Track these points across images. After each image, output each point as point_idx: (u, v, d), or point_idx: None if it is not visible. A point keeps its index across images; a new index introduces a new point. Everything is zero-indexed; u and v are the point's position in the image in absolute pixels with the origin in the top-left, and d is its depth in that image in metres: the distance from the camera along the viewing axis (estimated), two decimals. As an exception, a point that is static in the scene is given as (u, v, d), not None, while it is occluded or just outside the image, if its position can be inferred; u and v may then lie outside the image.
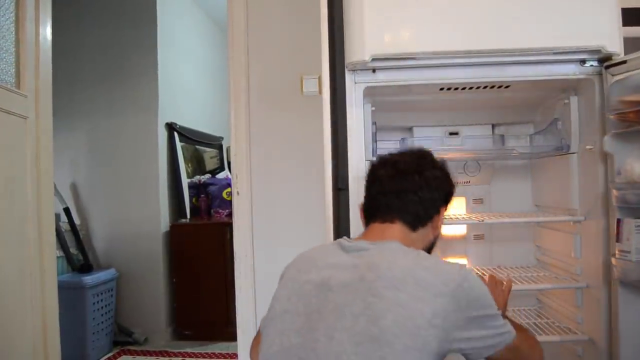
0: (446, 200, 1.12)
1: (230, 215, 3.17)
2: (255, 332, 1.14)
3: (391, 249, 0.96)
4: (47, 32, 1.98)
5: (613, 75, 1.34)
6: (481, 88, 1.53)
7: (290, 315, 0.93)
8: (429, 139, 1.80)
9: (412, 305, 0.83)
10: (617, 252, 1.33)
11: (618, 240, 1.33)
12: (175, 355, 3.05)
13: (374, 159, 1.57)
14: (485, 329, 0.89)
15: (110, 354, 3.06)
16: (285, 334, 0.91)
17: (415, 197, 1.05)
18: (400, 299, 0.84)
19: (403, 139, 1.73)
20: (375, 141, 1.57)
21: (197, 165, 3.98)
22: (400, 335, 0.81)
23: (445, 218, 1.65)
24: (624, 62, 1.30)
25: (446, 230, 1.92)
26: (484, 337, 0.89)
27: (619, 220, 1.34)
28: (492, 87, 1.52)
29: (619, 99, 1.30)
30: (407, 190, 1.05)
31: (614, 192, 1.34)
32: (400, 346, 0.80)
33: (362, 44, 1.36)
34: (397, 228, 1.04)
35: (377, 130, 1.60)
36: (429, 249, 1.10)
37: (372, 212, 1.09)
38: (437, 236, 1.11)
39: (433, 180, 1.07)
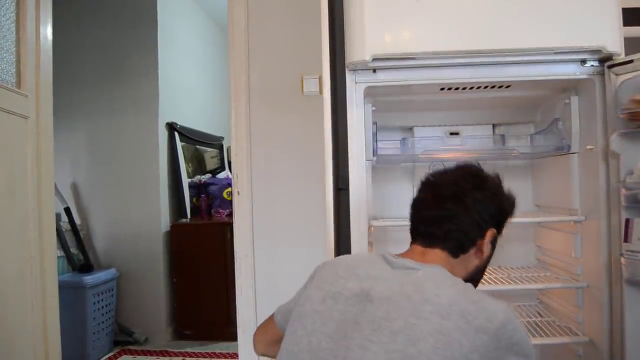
0: (497, 222, 1.04)
1: (230, 215, 3.17)
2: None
3: (438, 275, 0.93)
4: (47, 31, 1.98)
5: (617, 74, 1.34)
6: (482, 88, 1.53)
7: (322, 317, 0.91)
8: (430, 139, 1.80)
9: (454, 336, 0.81)
10: (624, 251, 1.33)
11: (626, 240, 1.33)
12: (176, 355, 3.05)
13: (374, 159, 1.58)
14: None
15: (110, 354, 3.07)
16: (315, 335, 0.89)
17: (452, 225, 0.99)
18: (443, 326, 0.82)
19: (404, 139, 1.73)
20: (376, 141, 1.57)
21: (198, 165, 3.98)
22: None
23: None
24: (630, 61, 1.30)
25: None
26: None
27: (627, 220, 1.33)
28: (493, 87, 1.52)
29: (631, 98, 1.30)
30: (443, 218, 1.00)
31: (623, 191, 1.34)
32: None
33: (362, 44, 1.36)
34: (438, 253, 0.99)
35: (378, 130, 1.60)
36: (474, 274, 1.05)
37: (414, 236, 1.05)
38: (484, 261, 1.05)
39: (474, 204, 1.00)
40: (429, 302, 0.85)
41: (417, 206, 1.06)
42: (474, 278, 1.04)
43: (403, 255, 1.03)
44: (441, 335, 0.81)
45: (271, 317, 1.11)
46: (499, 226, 1.05)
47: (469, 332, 0.81)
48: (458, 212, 0.99)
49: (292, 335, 0.94)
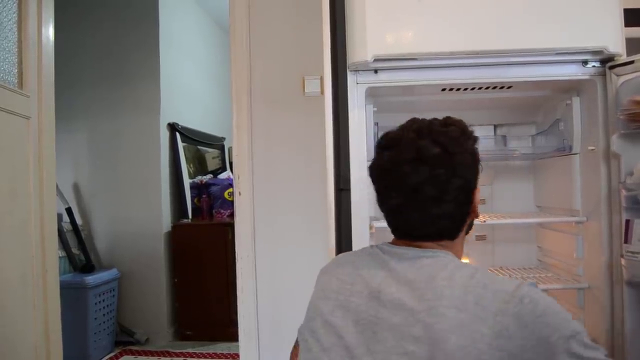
0: (475, 176, 0.92)
1: (231, 215, 3.17)
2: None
3: (444, 263, 0.86)
4: (49, 32, 1.98)
5: (618, 75, 1.34)
6: (483, 89, 1.53)
7: (336, 330, 0.85)
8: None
9: (474, 327, 0.75)
10: (625, 252, 1.33)
11: (627, 241, 1.33)
12: (177, 355, 3.06)
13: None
14: (564, 355, 0.74)
15: (112, 354, 3.07)
16: (334, 351, 0.84)
17: (439, 216, 0.89)
18: (462, 320, 0.76)
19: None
20: (377, 142, 1.57)
21: (199, 166, 3.98)
22: None
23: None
24: (631, 62, 1.30)
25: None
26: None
27: (627, 221, 1.33)
28: (494, 87, 1.52)
29: (630, 99, 1.30)
30: (427, 218, 0.89)
31: (623, 192, 1.33)
32: None
33: (364, 45, 1.36)
34: (433, 243, 0.92)
35: (379, 130, 1.60)
36: (468, 229, 0.98)
37: (392, 229, 0.95)
38: (473, 219, 0.97)
39: (453, 178, 0.87)
40: (443, 297, 0.79)
41: (386, 196, 0.93)
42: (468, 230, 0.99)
43: (397, 243, 0.94)
44: (463, 329, 0.75)
45: (295, 343, 1.06)
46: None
47: (488, 319, 0.75)
48: (440, 199, 0.88)
49: (308, 353, 0.88)
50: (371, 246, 0.98)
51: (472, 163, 0.92)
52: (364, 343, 0.81)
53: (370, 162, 0.97)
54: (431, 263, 0.86)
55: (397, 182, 0.89)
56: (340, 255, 1.02)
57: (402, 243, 0.93)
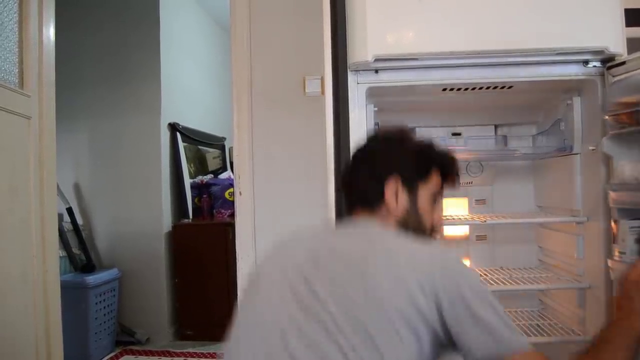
0: (406, 170, 1.02)
1: (232, 215, 3.17)
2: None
3: (379, 231, 0.98)
4: (50, 32, 1.98)
5: (614, 76, 1.34)
6: (484, 89, 1.52)
7: (274, 285, 0.92)
8: (432, 139, 1.80)
9: (401, 284, 0.81)
10: (616, 252, 1.33)
11: (615, 241, 1.33)
12: (178, 355, 3.06)
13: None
14: (470, 319, 0.80)
15: (112, 354, 3.07)
16: (268, 301, 0.91)
17: (355, 184, 1.06)
18: (394, 273, 0.83)
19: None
20: (378, 142, 1.57)
21: (200, 166, 3.98)
22: (392, 309, 0.80)
23: (448, 219, 1.66)
24: (624, 63, 1.30)
25: (448, 231, 1.92)
26: (467, 329, 0.80)
27: (615, 222, 1.34)
28: (495, 87, 1.52)
29: (616, 100, 1.30)
30: (349, 180, 1.08)
31: (611, 194, 1.34)
32: (390, 318, 0.80)
33: (364, 45, 1.36)
34: (363, 214, 1.03)
35: (380, 130, 1.60)
36: (416, 225, 1.02)
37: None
38: (416, 212, 1.02)
39: (367, 158, 1.07)
40: (377, 251, 0.89)
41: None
42: (420, 229, 1.02)
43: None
44: (394, 281, 0.82)
45: None
46: (419, 175, 1.03)
47: (413, 278, 0.82)
48: (357, 170, 1.06)
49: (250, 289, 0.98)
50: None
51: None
52: (298, 295, 0.87)
53: None
54: (365, 229, 1.00)
55: None
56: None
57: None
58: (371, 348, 0.78)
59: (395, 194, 1.00)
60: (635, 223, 1.28)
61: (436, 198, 1.05)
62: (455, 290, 0.81)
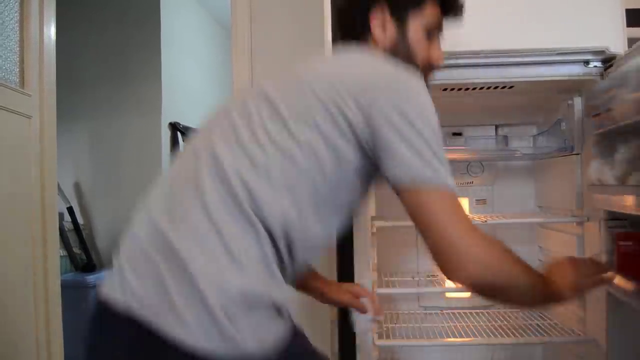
0: None
1: (233, 215, 3.16)
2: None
3: (355, 55, 0.94)
4: (51, 31, 1.98)
5: (611, 76, 1.34)
6: (485, 89, 1.52)
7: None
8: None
9: (335, 87, 0.80)
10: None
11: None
12: (178, 354, 3.05)
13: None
14: (395, 135, 0.76)
15: (112, 353, 3.07)
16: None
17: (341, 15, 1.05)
18: (336, 79, 0.82)
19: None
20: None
21: (200, 165, 3.98)
22: (316, 99, 0.80)
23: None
24: (612, 64, 1.30)
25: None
26: (388, 144, 0.77)
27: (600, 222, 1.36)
28: (496, 87, 1.52)
29: (594, 103, 1.31)
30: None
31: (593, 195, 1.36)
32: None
33: (365, 45, 1.36)
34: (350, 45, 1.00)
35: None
36: (403, 53, 0.96)
37: None
38: (404, 40, 0.97)
39: None
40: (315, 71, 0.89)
41: None
42: (411, 64, 0.96)
43: None
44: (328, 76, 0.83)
45: None
46: (410, 3, 0.97)
47: (343, 96, 0.79)
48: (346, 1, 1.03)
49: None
50: None
51: None
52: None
53: None
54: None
55: None
56: None
57: None
58: (284, 132, 0.80)
59: (382, 24, 0.96)
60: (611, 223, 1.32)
61: (432, 31, 0.99)
62: (391, 111, 0.78)
